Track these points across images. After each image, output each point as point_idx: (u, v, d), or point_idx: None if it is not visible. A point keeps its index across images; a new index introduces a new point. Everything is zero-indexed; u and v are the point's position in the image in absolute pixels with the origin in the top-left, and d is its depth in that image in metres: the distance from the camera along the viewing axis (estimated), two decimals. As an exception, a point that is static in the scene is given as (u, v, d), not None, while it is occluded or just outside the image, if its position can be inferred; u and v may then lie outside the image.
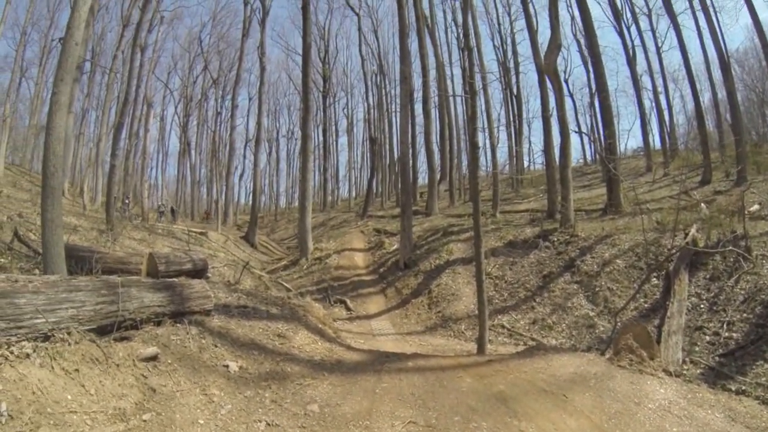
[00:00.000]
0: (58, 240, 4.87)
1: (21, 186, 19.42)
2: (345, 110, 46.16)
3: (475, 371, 4.74)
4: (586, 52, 24.64)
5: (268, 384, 3.87)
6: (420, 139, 28.41)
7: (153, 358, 3.42)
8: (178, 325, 4.19)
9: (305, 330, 5.83)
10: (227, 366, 3.91)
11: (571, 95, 29.41)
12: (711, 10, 16.82)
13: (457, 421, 3.49)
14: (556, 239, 11.08)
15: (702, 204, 11.18)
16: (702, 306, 7.01)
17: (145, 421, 2.77)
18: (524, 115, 30.40)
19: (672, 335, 6.20)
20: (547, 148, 14.47)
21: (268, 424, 3.25)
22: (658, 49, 24.66)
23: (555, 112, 13.62)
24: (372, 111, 38.43)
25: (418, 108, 26.18)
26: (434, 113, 27.37)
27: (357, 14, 32.87)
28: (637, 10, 24.65)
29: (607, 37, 41.30)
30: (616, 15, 24.39)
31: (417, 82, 25.32)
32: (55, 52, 27.49)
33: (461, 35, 25.02)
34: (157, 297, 4.10)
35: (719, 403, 3.99)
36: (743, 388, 5.11)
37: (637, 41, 24.77)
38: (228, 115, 33.30)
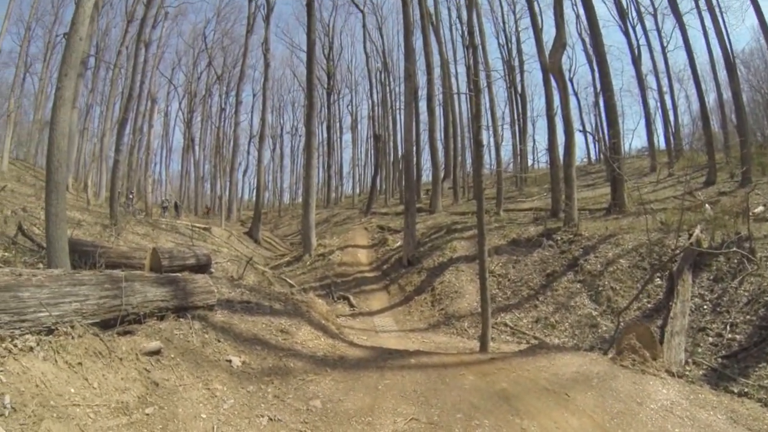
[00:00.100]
0: (62, 234, 4.89)
1: (25, 181, 19.48)
2: (349, 107, 46.15)
3: (478, 369, 4.73)
4: (591, 51, 24.45)
5: (270, 379, 3.88)
6: (424, 137, 28.42)
7: (156, 353, 3.44)
8: (181, 319, 4.20)
9: (308, 326, 5.85)
10: (230, 361, 3.92)
11: (576, 94, 29.20)
12: (717, 10, 16.69)
13: (459, 419, 3.49)
14: (559, 238, 11.06)
15: (706, 205, 11.13)
16: (705, 307, 6.98)
17: (147, 414, 2.78)
18: (528, 114, 30.16)
19: (675, 336, 6.19)
20: (552, 146, 14.40)
21: (271, 419, 3.25)
22: (663, 48, 24.55)
23: (559, 111, 13.55)
24: (376, 108, 38.42)
25: (423, 105, 26.06)
26: (438, 111, 27.35)
27: (361, 11, 32.75)
28: (642, 10, 24.49)
29: (612, 36, 40.92)
30: (622, 14, 24.28)
31: (421, 79, 25.19)
32: (59, 48, 27.56)
33: (466, 33, 24.99)
34: (161, 291, 4.11)
35: (721, 405, 3.98)
36: (746, 390, 5.08)
37: (642, 40, 24.62)
38: (232, 112, 33.24)
